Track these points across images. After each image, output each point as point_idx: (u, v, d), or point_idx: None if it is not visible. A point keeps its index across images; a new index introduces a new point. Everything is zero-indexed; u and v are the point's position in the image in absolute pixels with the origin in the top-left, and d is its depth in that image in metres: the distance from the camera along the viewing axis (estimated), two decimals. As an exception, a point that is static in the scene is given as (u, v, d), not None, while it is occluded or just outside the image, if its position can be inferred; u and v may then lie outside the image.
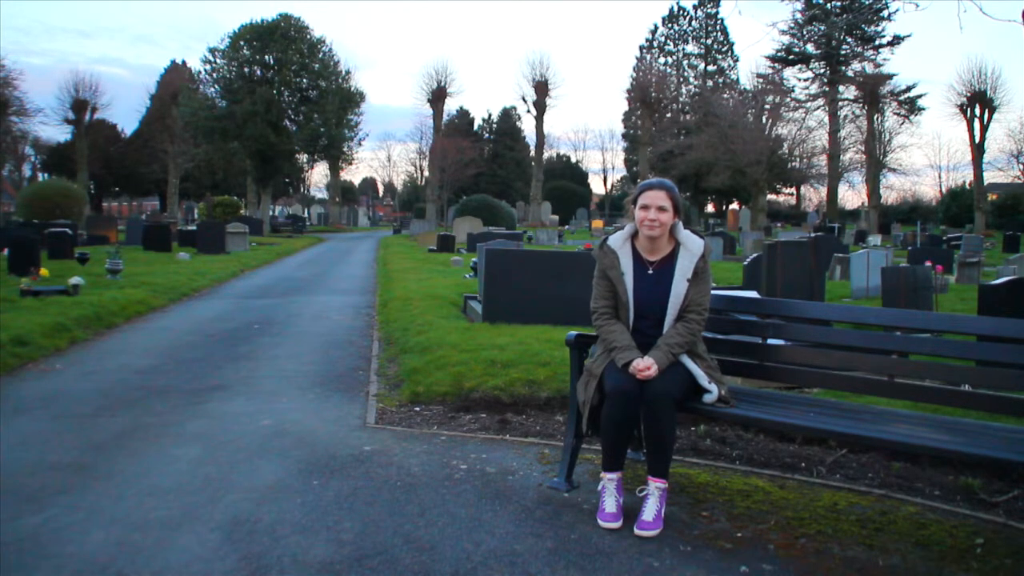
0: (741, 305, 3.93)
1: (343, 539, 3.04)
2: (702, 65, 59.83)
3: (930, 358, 4.43)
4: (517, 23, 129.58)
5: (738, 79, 57.12)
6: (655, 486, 3.21)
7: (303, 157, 48.17)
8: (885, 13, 49.31)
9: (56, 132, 63.12)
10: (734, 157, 39.77)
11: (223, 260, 18.32)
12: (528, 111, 51.60)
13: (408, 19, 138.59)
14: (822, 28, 50.22)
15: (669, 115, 54.27)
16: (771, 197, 55.31)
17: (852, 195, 73.07)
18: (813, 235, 19.57)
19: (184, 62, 55.84)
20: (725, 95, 48.53)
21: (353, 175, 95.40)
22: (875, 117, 44.24)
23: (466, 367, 5.69)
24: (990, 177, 49.76)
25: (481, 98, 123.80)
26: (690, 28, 60.07)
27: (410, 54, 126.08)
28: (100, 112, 46.40)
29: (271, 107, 38.37)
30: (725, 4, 58.76)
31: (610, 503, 3.23)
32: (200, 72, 43.25)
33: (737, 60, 59.81)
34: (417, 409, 5.18)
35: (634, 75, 55.03)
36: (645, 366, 3.21)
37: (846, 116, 46.90)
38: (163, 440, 4.40)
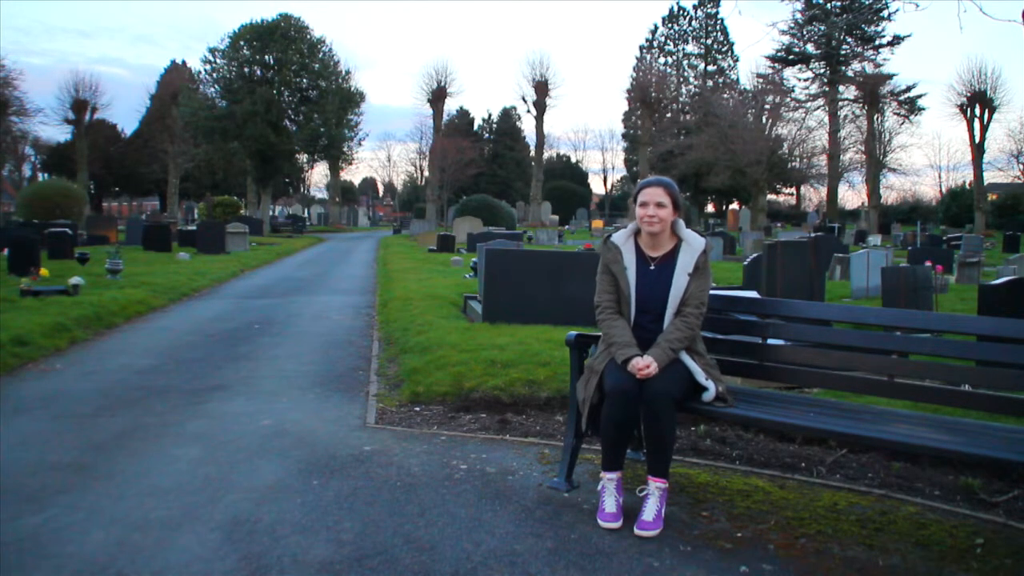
0: (741, 305, 3.93)
1: (343, 539, 3.04)
2: (702, 65, 59.84)
3: (930, 358, 4.43)
4: (517, 23, 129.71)
5: (738, 79, 57.19)
6: (655, 486, 3.21)
7: (303, 157, 48.16)
8: (885, 13, 49.37)
9: (56, 132, 63.22)
10: (734, 157, 39.78)
11: (223, 260, 18.32)
12: (528, 111, 51.67)
13: (408, 19, 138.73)
14: (822, 28, 50.23)
15: (669, 115, 54.28)
16: (771, 197, 55.33)
17: (852, 195, 73.12)
18: (813, 235, 19.57)
19: (184, 62, 55.95)
20: (725, 95, 48.53)
21: (353, 175, 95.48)
22: (875, 117, 44.25)
23: (466, 367, 5.69)
24: (990, 177, 49.82)
25: (481, 98, 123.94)
26: (690, 28, 60.09)
27: (410, 54, 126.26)
28: (100, 112, 46.48)
29: (271, 107, 38.37)
30: (725, 4, 58.84)
31: (610, 503, 3.23)
32: (200, 72, 43.29)
33: (737, 60, 59.92)
34: (417, 409, 5.18)
35: (634, 75, 55.04)
36: (644, 365, 3.21)
37: (846, 116, 46.94)
38: (163, 440, 4.40)
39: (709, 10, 59.48)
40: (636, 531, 3.10)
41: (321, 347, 7.60)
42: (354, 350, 7.50)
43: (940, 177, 70.01)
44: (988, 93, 41.17)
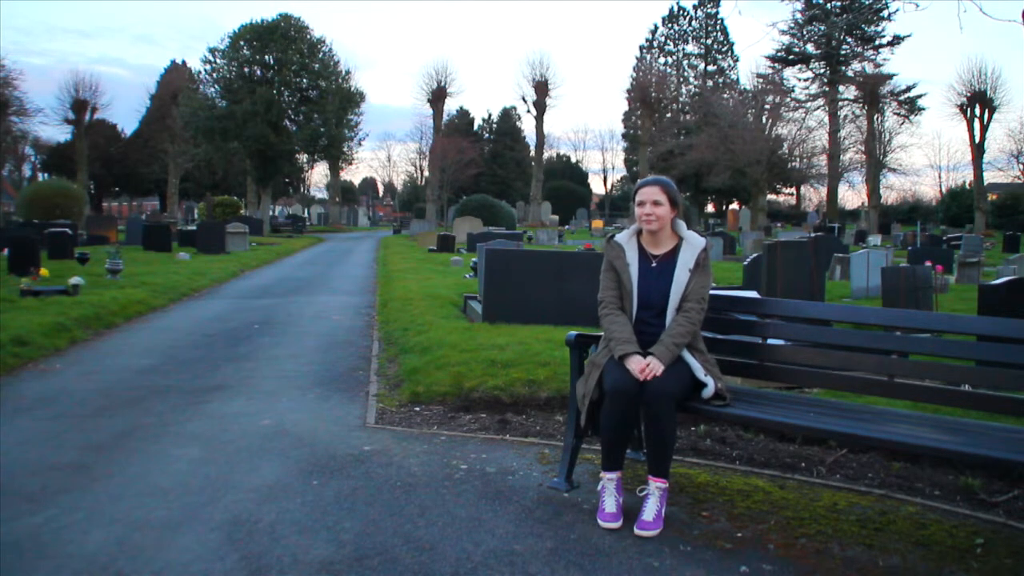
0: (741, 305, 3.93)
1: (343, 539, 3.04)
2: (702, 65, 59.85)
3: (930, 358, 4.43)
4: (517, 23, 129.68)
5: (738, 79, 57.22)
6: (655, 486, 3.21)
7: (303, 157, 48.07)
8: (885, 13, 49.38)
9: (56, 132, 63.18)
10: (734, 157, 39.79)
11: (223, 260, 18.31)
12: (528, 111, 51.67)
13: (408, 19, 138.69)
14: (822, 28, 50.24)
15: (669, 115, 54.30)
16: (771, 197, 55.32)
17: (852, 195, 73.13)
18: (813, 235, 19.57)
19: (184, 62, 55.88)
20: (725, 95, 48.56)
21: (353, 175, 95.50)
22: (875, 117, 44.25)
23: (466, 367, 5.69)
24: (990, 177, 49.82)
25: (481, 98, 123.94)
26: (690, 28, 60.09)
27: (410, 54, 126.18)
28: (100, 112, 46.49)
29: (271, 107, 38.34)
30: (725, 4, 58.85)
31: (610, 503, 3.24)
32: (200, 72, 43.22)
33: (737, 60, 59.94)
34: (417, 409, 5.18)
35: (634, 75, 55.08)
36: (644, 365, 3.23)
37: (846, 116, 46.95)
38: (163, 440, 4.40)
39: (709, 10, 59.50)
40: (636, 531, 3.10)
41: (321, 347, 7.60)
42: (354, 350, 7.50)
43: (940, 177, 70.18)
44: (988, 93, 41.18)
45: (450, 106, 55.59)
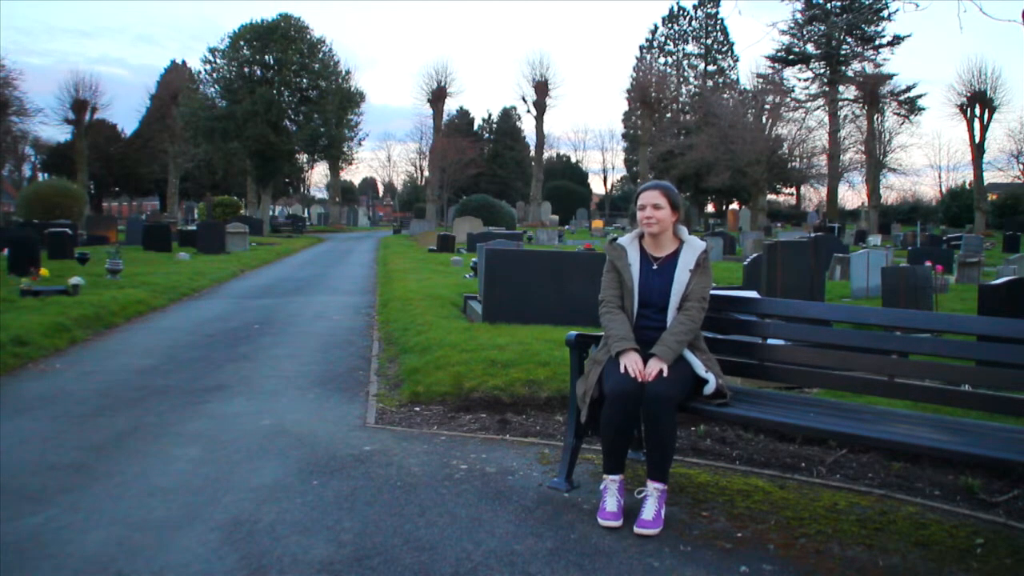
0: (741, 305, 3.93)
1: (343, 539, 3.04)
2: (702, 65, 59.83)
3: (930, 358, 4.43)
4: (517, 23, 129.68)
5: (738, 79, 57.20)
6: (654, 487, 3.22)
7: (303, 157, 48.11)
8: (885, 13, 49.39)
9: (56, 132, 63.19)
10: (734, 157, 39.79)
11: (223, 260, 18.32)
12: (528, 111, 51.69)
13: (408, 19, 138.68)
14: (822, 28, 50.23)
15: (669, 115, 54.28)
16: (771, 197, 55.32)
17: (852, 195, 73.08)
18: (813, 235, 19.56)
19: (184, 62, 55.89)
20: (725, 95, 48.56)
21: (353, 175, 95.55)
22: (875, 117, 44.27)
23: (466, 367, 5.69)
24: (990, 177, 49.84)
25: (481, 98, 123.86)
26: (690, 28, 60.09)
27: (410, 54, 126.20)
28: (100, 112, 46.41)
29: (271, 107, 38.33)
30: (725, 4, 58.84)
31: (611, 503, 3.24)
32: (200, 72, 43.22)
33: (737, 60, 59.92)
34: (417, 409, 5.18)
35: (634, 75, 55.08)
36: (640, 370, 3.26)
37: (846, 116, 46.96)
38: (163, 440, 4.40)
39: (709, 10, 59.48)
40: (636, 530, 3.10)
41: (321, 347, 7.60)
42: (354, 350, 7.50)
43: (940, 177, 70.15)
44: (988, 93, 41.18)
45: (450, 106, 55.67)
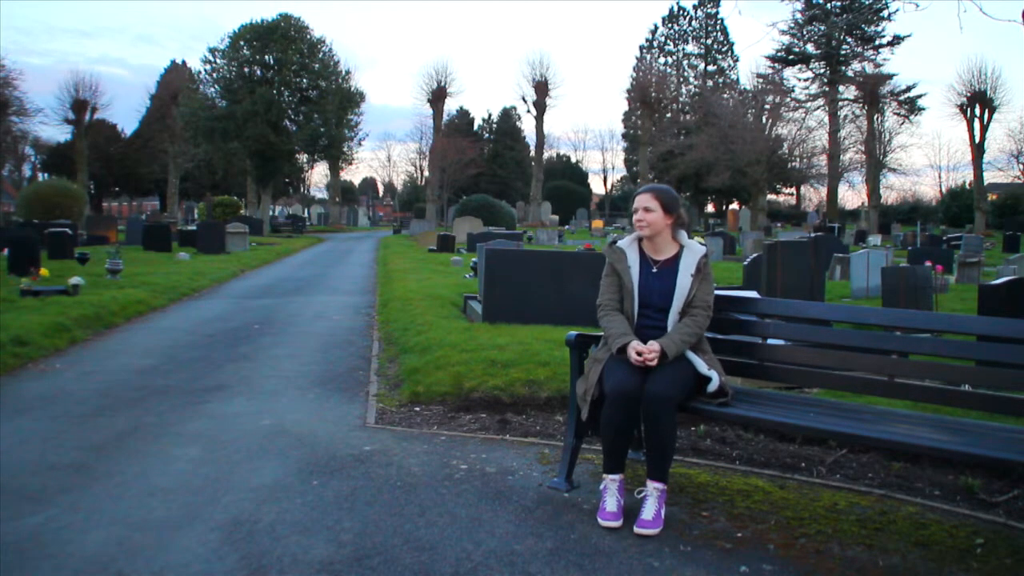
0: (741, 305, 3.93)
1: (343, 539, 3.04)
2: (702, 65, 59.83)
3: (930, 358, 4.43)
4: (517, 23, 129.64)
5: (738, 79, 57.19)
6: (653, 487, 3.22)
7: (303, 157, 48.11)
8: (885, 13, 49.38)
9: (56, 132, 63.15)
10: (734, 157, 39.79)
11: (223, 260, 18.32)
12: (528, 111, 51.68)
13: (408, 19, 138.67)
14: (822, 28, 50.23)
15: (669, 115, 54.28)
16: (771, 197, 55.32)
17: (852, 195, 73.07)
18: (813, 235, 19.55)
19: (184, 62, 55.89)
20: (725, 95, 48.56)
21: (353, 175, 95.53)
22: (875, 117, 44.26)
23: (466, 367, 5.69)
24: (990, 177, 49.83)
25: (481, 98, 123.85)
26: (690, 28, 60.08)
27: (410, 54, 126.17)
28: (100, 112, 46.39)
29: (271, 107, 38.33)
30: (725, 4, 58.83)
31: (611, 503, 3.25)
32: (200, 72, 43.22)
33: (737, 60, 59.90)
34: (417, 409, 5.18)
35: (634, 75, 55.07)
36: (648, 349, 3.28)
37: (846, 116, 46.96)
38: (163, 440, 4.40)
39: (709, 10, 59.47)
40: (636, 529, 3.10)
41: (321, 347, 7.60)
42: (354, 350, 7.50)
43: (940, 177, 70.11)
44: (988, 93, 41.18)
45: (450, 106, 55.66)
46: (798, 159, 44.19)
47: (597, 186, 70.32)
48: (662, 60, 59.50)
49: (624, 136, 62.43)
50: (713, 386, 3.37)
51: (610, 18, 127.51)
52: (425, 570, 2.78)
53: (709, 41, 59.77)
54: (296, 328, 8.82)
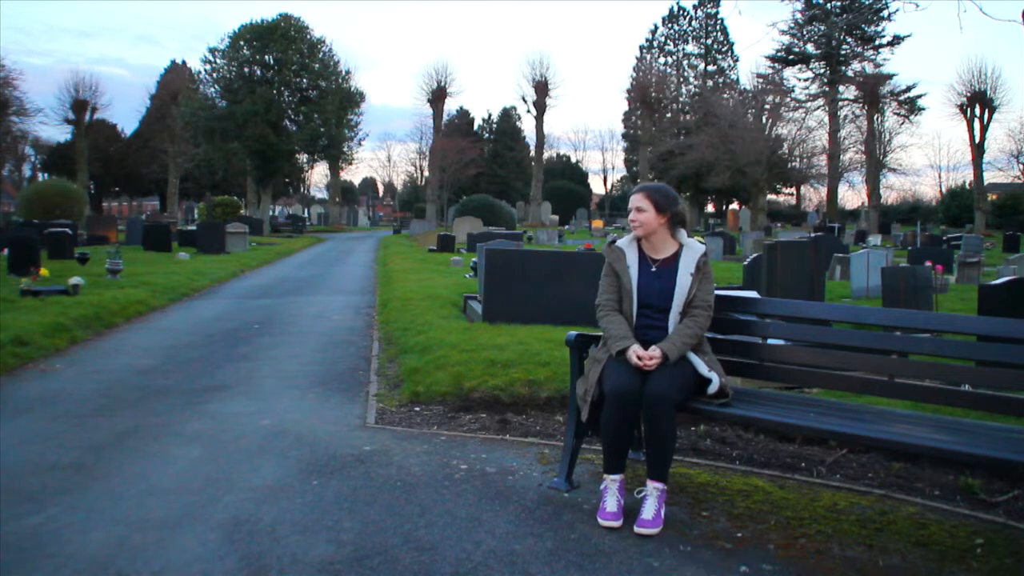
0: (741, 305, 3.93)
1: (343, 539, 3.04)
2: (702, 65, 59.81)
3: (930, 358, 4.42)
4: (517, 23, 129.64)
5: (738, 79, 57.14)
6: (653, 486, 3.22)
7: (303, 157, 48.10)
8: (885, 13, 49.35)
9: (56, 132, 63.19)
10: (734, 157, 39.77)
11: (223, 260, 18.32)
12: (528, 111, 51.63)
13: (408, 19, 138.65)
14: (822, 28, 50.22)
15: (669, 115, 54.27)
16: (771, 197, 55.29)
17: (852, 195, 73.18)
18: (813, 235, 19.57)
19: (184, 62, 55.89)
20: (725, 95, 48.51)
21: (353, 175, 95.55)
22: (875, 117, 44.27)
23: (466, 367, 5.69)
24: (990, 177, 49.83)
25: (481, 98, 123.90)
26: (690, 28, 60.06)
27: (410, 54, 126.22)
28: (100, 112, 46.38)
29: (271, 107, 38.35)
30: (725, 4, 58.81)
31: (611, 502, 3.25)
32: (200, 72, 43.25)
33: (737, 60, 59.85)
34: (417, 409, 5.18)
35: (634, 75, 55.06)
36: (648, 355, 3.28)
37: (846, 116, 46.95)
38: (163, 440, 4.40)
39: (709, 10, 59.45)
40: (636, 529, 3.11)
41: (321, 347, 7.60)
42: (354, 350, 7.50)
43: (940, 177, 70.13)
44: (988, 93, 41.18)
45: (450, 106, 55.65)
46: (798, 159, 44.16)
47: (597, 186, 70.42)
48: (662, 60, 59.51)
49: (624, 136, 62.44)
50: (713, 388, 3.37)
51: (610, 18, 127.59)
52: (425, 570, 2.78)
53: (709, 41, 59.76)
54: (296, 328, 8.82)
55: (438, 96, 49.72)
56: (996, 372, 3.28)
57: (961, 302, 10.39)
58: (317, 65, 40.78)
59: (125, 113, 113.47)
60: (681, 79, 58.98)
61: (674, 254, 3.56)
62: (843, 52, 51.32)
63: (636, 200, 3.56)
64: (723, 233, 26.95)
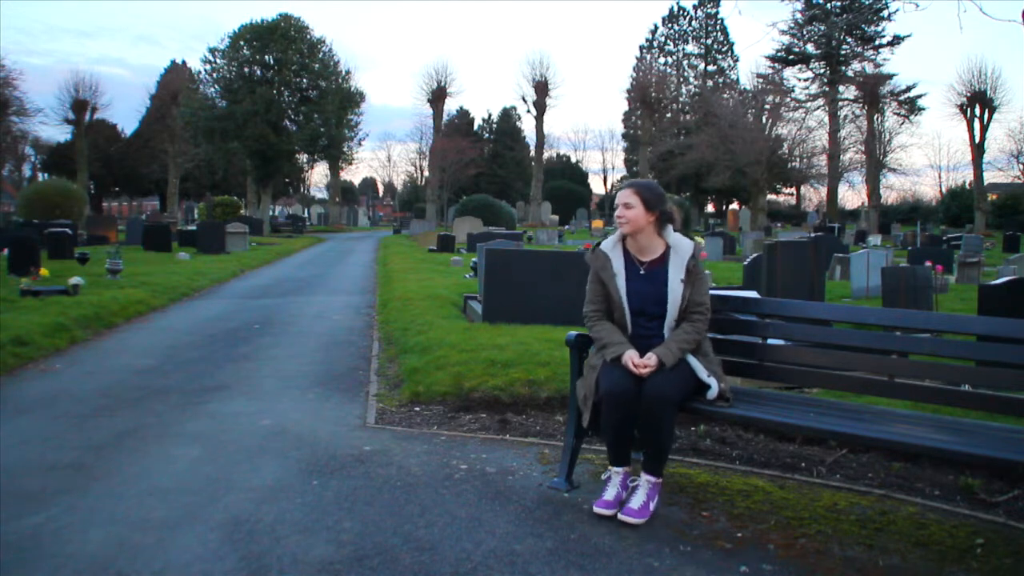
0: (741, 305, 3.93)
1: (343, 539, 3.04)
2: (702, 65, 59.83)
3: (930, 358, 4.43)
4: (517, 23, 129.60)
5: (738, 79, 57.20)
6: (646, 479, 3.27)
7: (303, 157, 48.10)
8: (885, 13, 49.37)
9: (56, 132, 63.17)
10: (734, 157, 39.79)
11: (223, 260, 18.31)
12: (528, 111, 51.60)
13: (408, 19, 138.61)
14: (822, 28, 50.23)
15: (669, 115, 54.30)
16: (771, 197, 55.31)
17: (852, 195, 73.17)
18: (813, 235, 19.57)
19: (184, 62, 55.86)
20: (725, 95, 48.56)
21: (353, 175, 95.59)
22: (875, 117, 44.27)
23: (466, 367, 5.69)
24: (990, 177, 49.83)
25: (481, 98, 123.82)
26: (690, 28, 60.09)
27: (410, 54, 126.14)
28: (100, 112, 46.35)
29: (271, 107, 38.35)
30: (725, 4, 58.83)
31: (610, 492, 3.31)
32: (200, 72, 43.27)
33: (737, 60, 59.90)
34: (417, 409, 5.18)
35: (634, 75, 55.06)
36: (643, 363, 3.23)
37: (846, 116, 46.98)
38: (163, 440, 4.40)
39: (709, 10, 59.48)
40: (619, 516, 3.17)
41: (321, 347, 7.60)
42: (354, 350, 7.50)
43: (940, 177, 70.10)
44: (988, 93, 41.17)
45: (450, 106, 55.61)
46: (798, 159, 44.20)
47: (597, 186, 70.38)
48: (662, 60, 59.54)
49: (624, 136, 62.45)
50: (712, 394, 3.33)
51: (610, 18, 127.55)
52: (425, 570, 2.78)
53: (709, 41, 59.78)
54: (296, 328, 8.82)
55: (438, 96, 49.71)
56: (996, 372, 3.28)
57: (961, 302, 10.39)
58: (317, 65, 40.77)
59: (125, 113, 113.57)
60: (681, 79, 59.02)
61: (662, 255, 3.46)
62: (843, 52, 51.33)
63: (624, 196, 3.45)
64: (723, 233, 26.94)
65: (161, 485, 3.65)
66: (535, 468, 3.93)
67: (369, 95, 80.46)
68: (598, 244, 3.58)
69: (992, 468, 3.74)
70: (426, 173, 55.39)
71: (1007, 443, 2.93)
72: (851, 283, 12.38)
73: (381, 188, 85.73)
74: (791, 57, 52.56)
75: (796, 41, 52.32)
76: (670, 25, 60.28)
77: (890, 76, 46.53)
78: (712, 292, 3.68)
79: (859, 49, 51.92)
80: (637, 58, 60.00)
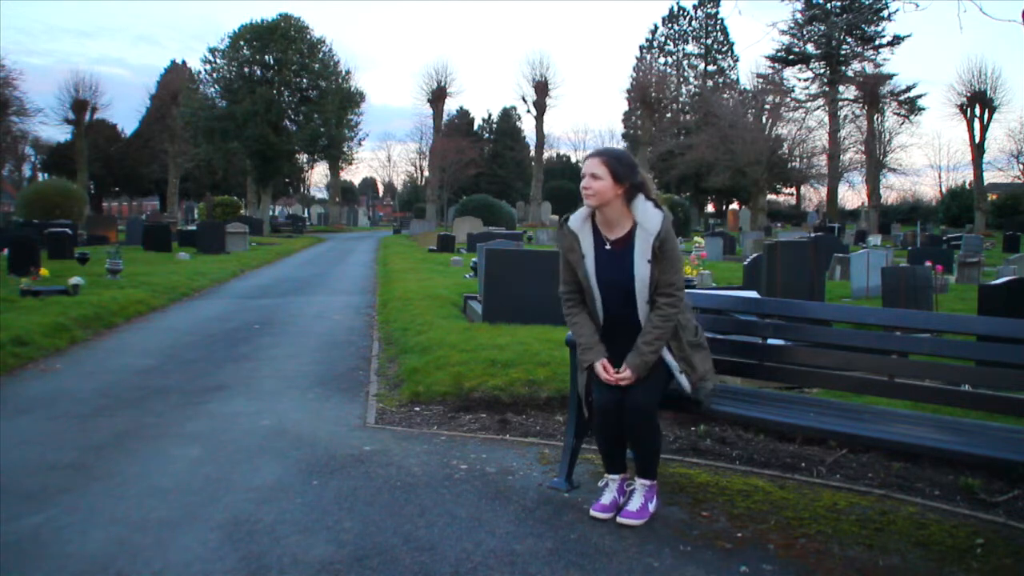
0: (741, 305, 3.93)
1: (343, 539, 3.04)
2: (702, 65, 59.83)
3: (930, 358, 4.42)
4: (517, 23, 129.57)
5: (738, 79, 57.20)
6: (640, 482, 3.29)
7: (303, 157, 48.09)
8: (885, 13, 49.40)
9: (56, 132, 63.06)
10: (734, 157, 39.80)
11: (223, 260, 18.31)
12: (528, 111, 51.55)
13: (408, 19, 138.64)
14: (822, 28, 50.25)
15: (669, 115, 54.29)
16: (771, 197, 55.31)
17: (852, 195, 73.17)
18: (813, 235, 19.57)
19: (184, 62, 55.83)
20: (725, 95, 48.58)
21: (353, 175, 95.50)
22: (875, 117, 44.28)
23: (466, 367, 5.69)
24: (990, 177, 49.84)
25: (481, 98, 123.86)
26: (690, 28, 60.09)
27: (410, 54, 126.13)
28: (100, 112, 46.33)
29: (271, 107, 38.34)
30: (725, 4, 58.83)
31: (607, 496, 3.32)
32: (200, 72, 43.23)
33: (737, 60, 59.90)
34: (417, 409, 5.18)
35: (634, 75, 55.03)
36: (616, 378, 3.16)
37: (846, 116, 46.99)
38: (163, 440, 4.40)
39: (709, 10, 59.48)
40: (618, 519, 3.18)
41: (321, 347, 7.60)
42: (354, 350, 7.50)
43: (940, 177, 70.05)
44: (988, 93, 41.16)
45: (450, 106, 55.55)
46: (798, 159, 44.22)
47: (597, 186, 70.18)
48: (662, 60, 59.53)
49: (624, 136, 62.34)
50: (685, 389, 3.22)
51: (610, 18, 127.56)
52: (425, 570, 2.78)
53: (709, 41, 59.79)
54: (296, 328, 8.82)
55: (438, 96, 49.70)
56: (996, 372, 3.28)
57: (961, 302, 10.38)
58: (317, 65, 40.77)
59: (125, 113, 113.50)
60: (681, 79, 59.01)
61: (629, 231, 3.22)
62: (843, 52, 51.35)
63: (591, 165, 3.19)
64: (723, 233, 26.95)
65: (161, 485, 3.65)
66: (535, 468, 3.93)
67: (369, 95, 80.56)
68: (566, 219, 3.37)
69: (992, 468, 3.74)
70: (426, 173, 55.38)
71: (1007, 443, 2.93)
72: (851, 283, 12.38)
73: (381, 188, 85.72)
74: (791, 57, 52.58)
75: (796, 41, 52.36)
76: (670, 25, 60.28)
77: (890, 76, 46.57)
78: (712, 292, 3.68)
79: (859, 49, 51.95)
80: (637, 58, 60.02)
